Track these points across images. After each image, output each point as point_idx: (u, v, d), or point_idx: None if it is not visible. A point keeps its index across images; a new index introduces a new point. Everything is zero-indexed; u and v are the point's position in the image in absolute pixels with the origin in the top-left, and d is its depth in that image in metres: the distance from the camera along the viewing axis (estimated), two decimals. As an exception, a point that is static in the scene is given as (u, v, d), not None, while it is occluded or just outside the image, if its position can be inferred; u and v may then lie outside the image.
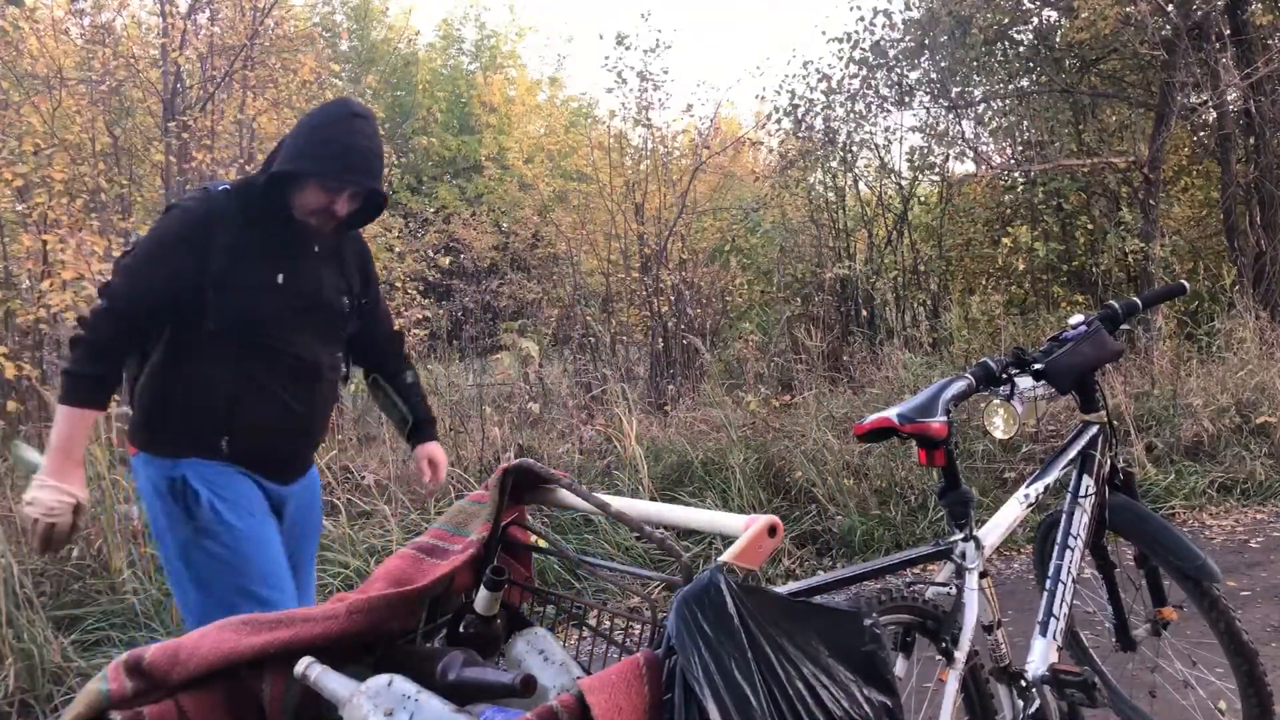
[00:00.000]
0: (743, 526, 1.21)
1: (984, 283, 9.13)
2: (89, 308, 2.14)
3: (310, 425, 2.14)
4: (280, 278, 2.01)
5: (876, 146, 9.15)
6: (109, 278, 2.07)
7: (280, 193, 2.01)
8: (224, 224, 1.98)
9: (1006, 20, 8.59)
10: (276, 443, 2.07)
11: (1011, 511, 2.08)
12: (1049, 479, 2.15)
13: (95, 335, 1.95)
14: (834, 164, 8.96)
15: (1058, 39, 8.76)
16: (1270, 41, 8.31)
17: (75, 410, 1.92)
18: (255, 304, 1.99)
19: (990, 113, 9.48)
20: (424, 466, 2.37)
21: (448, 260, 9.35)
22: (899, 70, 8.96)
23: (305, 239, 2.07)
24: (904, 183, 9.23)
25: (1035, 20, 8.96)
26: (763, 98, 13.03)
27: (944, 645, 1.85)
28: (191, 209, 2.02)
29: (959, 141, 9.18)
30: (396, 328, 2.49)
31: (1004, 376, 2.07)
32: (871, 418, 1.91)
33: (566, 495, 1.42)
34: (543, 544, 1.63)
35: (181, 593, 1.99)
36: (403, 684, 1.11)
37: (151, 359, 2.00)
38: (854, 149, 9.04)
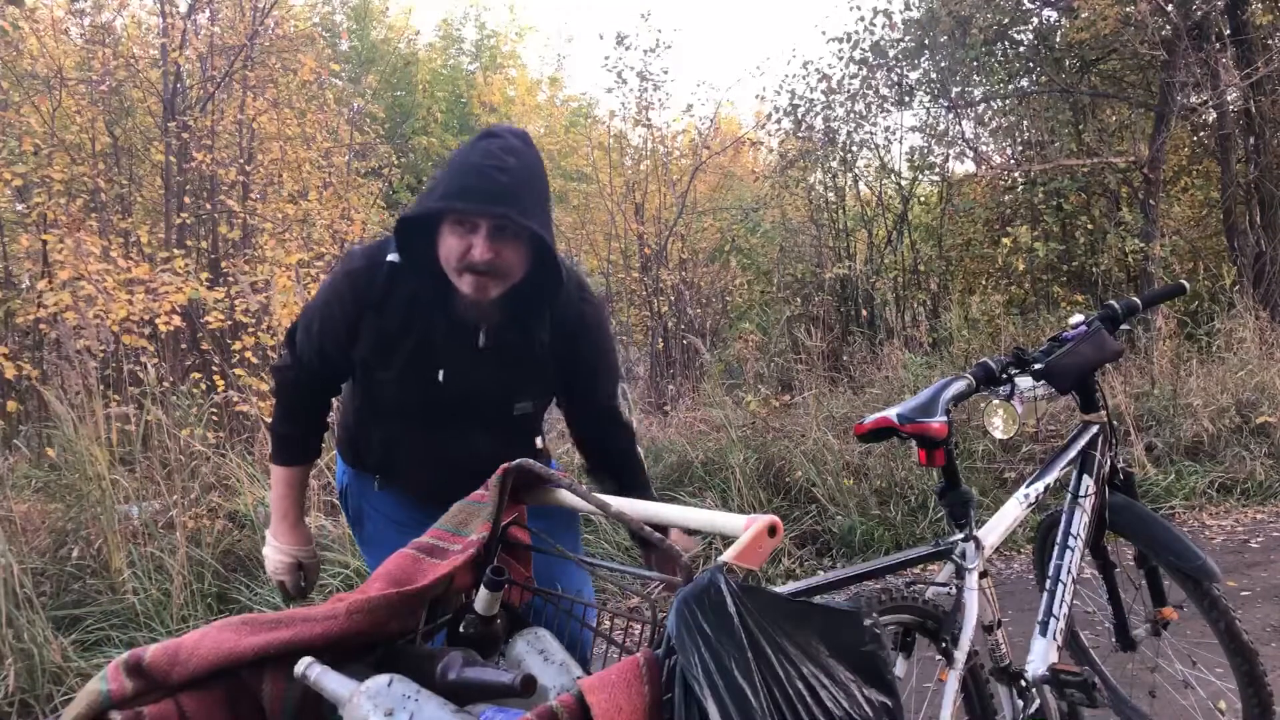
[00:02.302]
0: (743, 526, 1.20)
1: (984, 283, 9.13)
2: (275, 358, 1.99)
3: (467, 484, 1.68)
4: (440, 374, 1.76)
5: (876, 146, 9.17)
6: (292, 322, 1.92)
7: (425, 252, 1.69)
8: (380, 304, 1.74)
9: (1006, 20, 8.59)
10: (427, 493, 1.82)
11: (1011, 511, 2.08)
12: (1049, 479, 2.15)
13: (281, 393, 1.91)
14: (834, 164, 8.97)
15: (1058, 39, 8.76)
16: (1270, 41, 8.31)
17: (279, 470, 1.91)
18: (402, 395, 1.80)
19: (990, 113, 9.48)
20: None
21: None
22: (899, 70, 8.96)
23: (467, 330, 1.75)
24: (904, 183, 9.24)
25: (1035, 20, 8.97)
26: (763, 98, 13.04)
27: (944, 645, 1.85)
28: (350, 279, 1.77)
29: (959, 141, 9.19)
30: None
31: (1004, 376, 2.07)
32: (871, 418, 1.91)
33: (566, 495, 1.42)
34: (554, 545, 1.62)
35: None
36: (403, 684, 1.11)
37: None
38: (854, 149, 9.06)
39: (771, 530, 1.19)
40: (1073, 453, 2.21)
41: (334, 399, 1.99)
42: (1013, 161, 9.28)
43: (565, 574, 1.78)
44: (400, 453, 1.88)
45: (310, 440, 1.93)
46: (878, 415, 1.91)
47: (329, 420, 2.00)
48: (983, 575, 1.93)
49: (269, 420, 1.91)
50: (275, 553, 1.91)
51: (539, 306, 1.77)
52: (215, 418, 4.76)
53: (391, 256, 1.74)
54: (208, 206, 6.57)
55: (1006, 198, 9.08)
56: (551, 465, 2.09)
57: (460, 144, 1.75)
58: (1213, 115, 8.49)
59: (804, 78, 9.38)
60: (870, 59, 8.86)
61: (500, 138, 1.66)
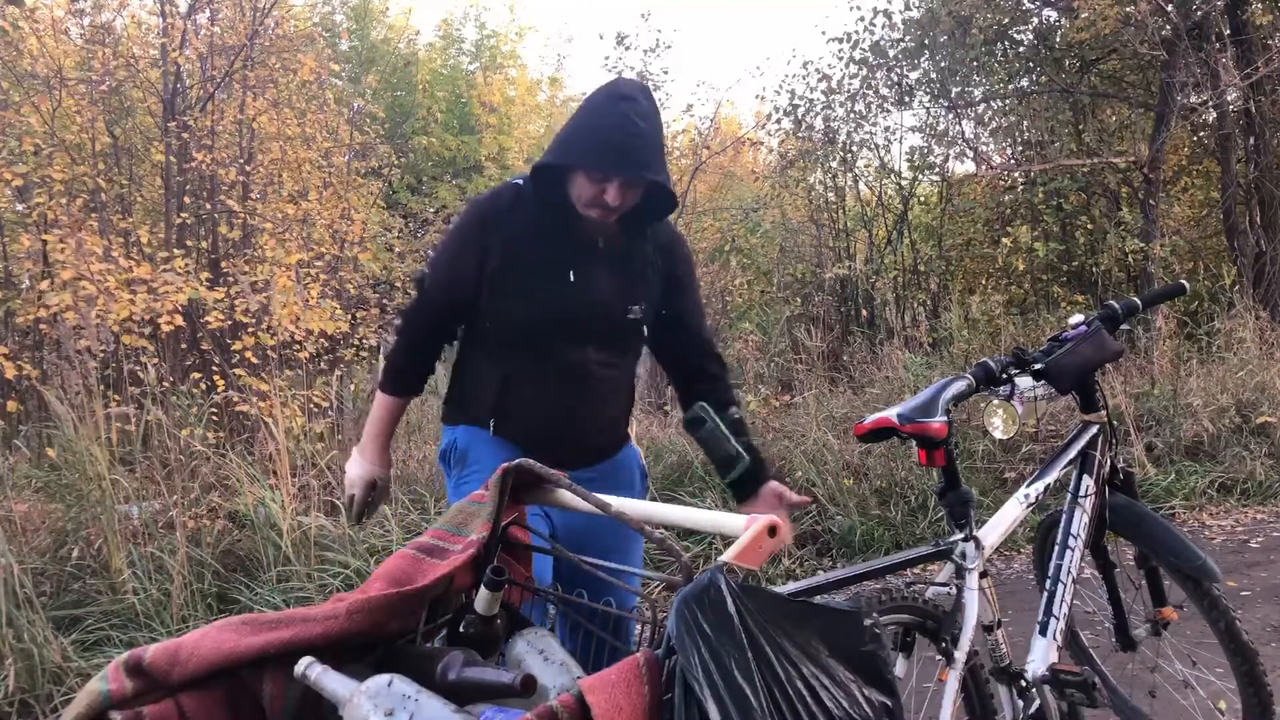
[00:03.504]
0: (743, 526, 1.20)
1: (984, 283, 9.14)
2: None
3: (575, 425, 2.01)
4: (572, 275, 1.95)
5: (876, 146, 9.18)
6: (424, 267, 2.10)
7: (555, 185, 1.93)
8: (506, 220, 1.94)
9: (1006, 20, 8.59)
10: (540, 434, 1.98)
11: (1011, 511, 2.08)
12: (1049, 479, 2.15)
13: (404, 328, 2.08)
14: (834, 164, 8.97)
15: (1058, 39, 8.77)
16: (1270, 41, 8.32)
17: (382, 396, 2.08)
18: (532, 306, 1.94)
19: (990, 113, 9.49)
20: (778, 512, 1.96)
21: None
22: (899, 70, 8.97)
23: (588, 235, 1.98)
24: (904, 183, 9.24)
25: (1035, 20, 8.97)
26: (763, 98, 13.07)
27: (944, 645, 1.85)
28: (476, 205, 2.01)
29: (959, 141, 9.19)
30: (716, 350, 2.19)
31: (1004, 376, 2.07)
32: (871, 418, 1.91)
33: (566, 495, 1.41)
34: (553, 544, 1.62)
35: None
36: (403, 684, 1.11)
37: (457, 340, 2.11)
38: (854, 149, 9.07)
39: (772, 530, 1.19)
40: (1073, 453, 2.21)
41: (436, 365, 2.13)
42: (1013, 161, 9.28)
43: (617, 538, 1.96)
44: (518, 380, 1.99)
45: (419, 374, 2.10)
46: (878, 415, 1.90)
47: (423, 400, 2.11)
48: (983, 575, 1.93)
49: (387, 350, 2.08)
50: (357, 467, 2.08)
51: (645, 224, 2.02)
52: (215, 418, 4.76)
53: (516, 179, 1.99)
54: (208, 206, 6.57)
55: (1006, 198, 9.08)
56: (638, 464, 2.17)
57: (594, 94, 1.93)
58: (1213, 115, 8.50)
59: (804, 78, 9.39)
60: (870, 59, 8.86)
61: (633, 100, 1.87)
